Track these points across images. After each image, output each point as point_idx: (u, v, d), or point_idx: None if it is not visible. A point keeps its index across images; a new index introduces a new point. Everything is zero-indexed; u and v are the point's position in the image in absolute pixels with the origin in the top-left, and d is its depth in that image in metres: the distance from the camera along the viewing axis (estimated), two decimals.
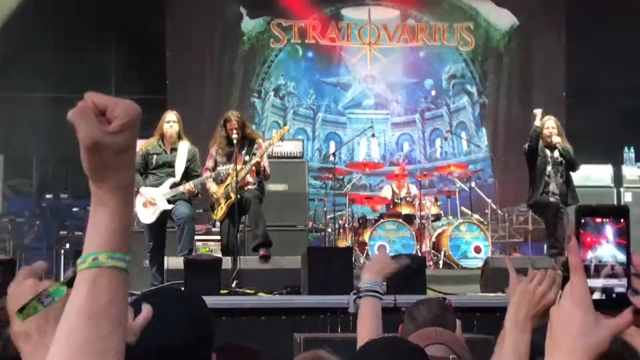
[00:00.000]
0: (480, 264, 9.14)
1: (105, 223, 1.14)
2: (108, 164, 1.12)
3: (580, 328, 1.18)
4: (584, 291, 1.19)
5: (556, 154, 8.78)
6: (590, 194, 10.02)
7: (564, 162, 8.78)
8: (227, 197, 8.22)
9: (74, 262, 1.17)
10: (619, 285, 1.21)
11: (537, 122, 8.86)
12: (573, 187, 8.83)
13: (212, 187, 8.33)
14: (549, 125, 8.86)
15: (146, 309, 1.42)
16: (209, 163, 8.41)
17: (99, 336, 1.11)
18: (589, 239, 1.22)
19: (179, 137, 8.29)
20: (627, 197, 11.16)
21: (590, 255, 1.21)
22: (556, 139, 8.79)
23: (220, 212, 8.30)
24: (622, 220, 1.22)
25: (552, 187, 8.74)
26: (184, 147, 8.28)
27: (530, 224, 11.34)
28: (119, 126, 1.12)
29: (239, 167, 8.12)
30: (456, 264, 9.77)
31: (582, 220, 1.22)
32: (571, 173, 8.88)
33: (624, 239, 1.22)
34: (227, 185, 8.23)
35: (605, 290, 1.21)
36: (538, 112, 9.01)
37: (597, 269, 1.21)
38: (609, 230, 1.22)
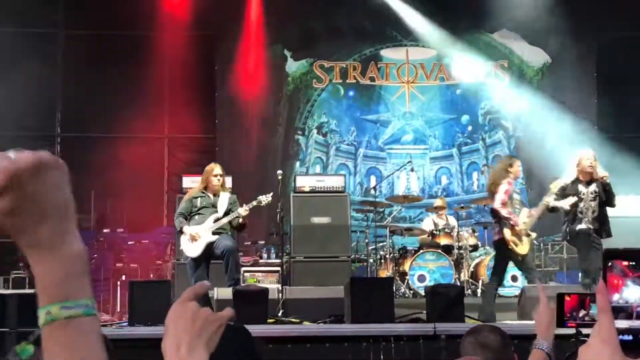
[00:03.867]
0: (516, 292, 9.03)
1: (40, 279, 1.08)
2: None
3: None
4: (612, 331, 1.17)
5: (591, 189, 8.21)
6: (627, 224, 9.73)
7: (597, 197, 8.22)
8: (528, 233, 8.29)
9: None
10: None
11: (565, 206, 8.24)
12: (607, 222, 8.24)
13: (520, 221, 8.29)
14: (590, 159, 8.25)
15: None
16: (505, 197, 8.21)
17: None
18: (615, 281, 1.21)
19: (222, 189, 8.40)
20: None
21: (617, 296, 1.21)
22: (602, 173, 8.26)
23: (525, 247, 8.24)
24: None
25: (585, 222, 8.20)
26: (226, 194, 8.38)
27: (565, 253, 11.19)
28: None
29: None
30: None
31: (610, 263, 1.22)
32: (607, 208, 8.35)
33: None
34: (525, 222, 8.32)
35: (632, 330, 1.20)
36: (568, 202, 8.29)
37: (623, 310, 1.21)
38: (635, 272, 1.22)
